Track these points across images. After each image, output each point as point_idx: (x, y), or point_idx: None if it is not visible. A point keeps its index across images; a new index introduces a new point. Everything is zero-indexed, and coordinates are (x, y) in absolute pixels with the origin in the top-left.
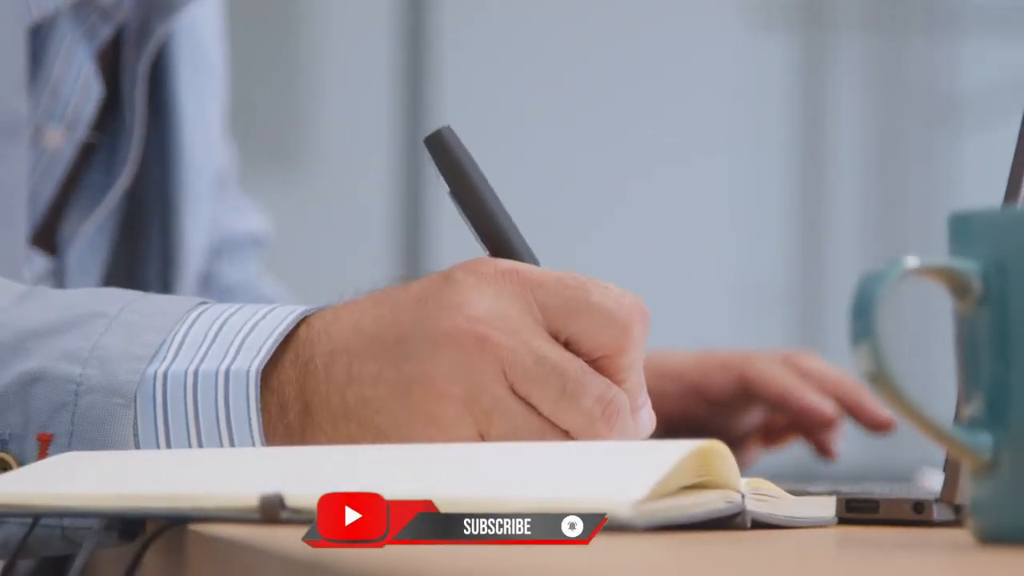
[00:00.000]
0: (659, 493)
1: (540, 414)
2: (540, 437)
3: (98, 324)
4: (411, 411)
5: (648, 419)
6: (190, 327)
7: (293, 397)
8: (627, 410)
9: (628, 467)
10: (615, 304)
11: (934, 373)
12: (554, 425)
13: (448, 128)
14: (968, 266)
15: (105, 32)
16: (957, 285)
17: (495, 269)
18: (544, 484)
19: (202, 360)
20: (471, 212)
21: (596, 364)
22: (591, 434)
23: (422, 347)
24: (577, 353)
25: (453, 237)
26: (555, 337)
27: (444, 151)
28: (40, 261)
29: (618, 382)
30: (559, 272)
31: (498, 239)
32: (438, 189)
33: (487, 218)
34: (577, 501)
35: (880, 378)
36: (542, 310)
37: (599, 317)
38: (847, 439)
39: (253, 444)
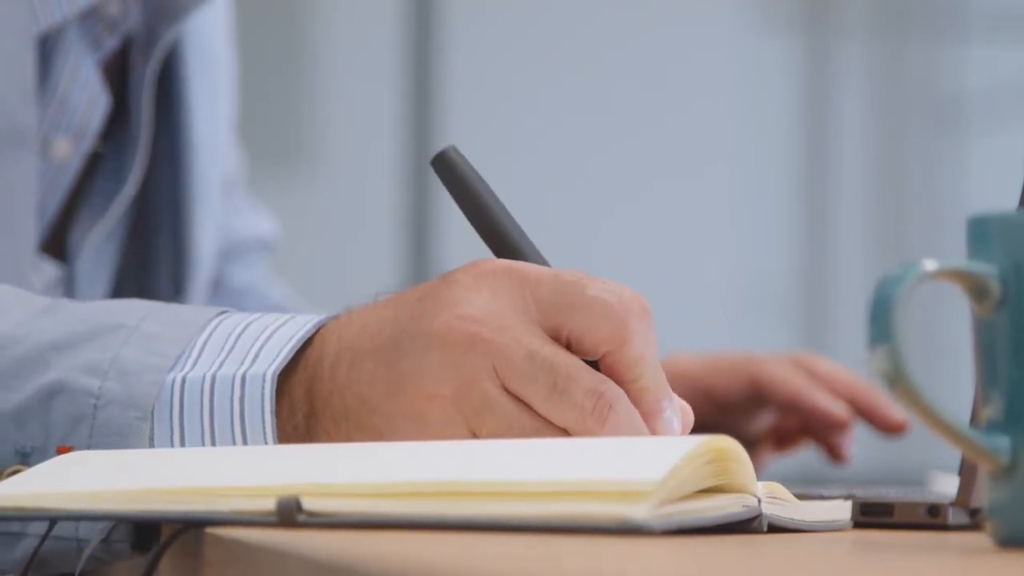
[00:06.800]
0: (675, 492)
1: (534, 412)
2: (534, 435)
3: (118, 335)
4: (403, 410)
5: (677, 423)
6: (210, 336)
7: (301, 400)
8: (623, 405)
9: (644, 455)
10: (613, 297)
11: (939, 374)
12: (548, 423)
13: (452, 147)
14: (986, 269)
15: (111, 42)
16: (975, 288)
17: (493, 268)
18: (563, 468)
19: (220, 366)
20: (481, 227)
21: (603, 364)
22: (584, 429)
23: (415, 346)
24: (580, 352)
25: (459, 239)
26: (555, 335)
27: (450, 170)
28: (50, 269)
29: (629, 381)
30: (557, 269)
31: (510, 253)
32: (444, 192)
33: (498, 233)
34: (597, 482)
35: (899, 381)
36: (540, 307)
37: (596, 310)
38: (857, 442)
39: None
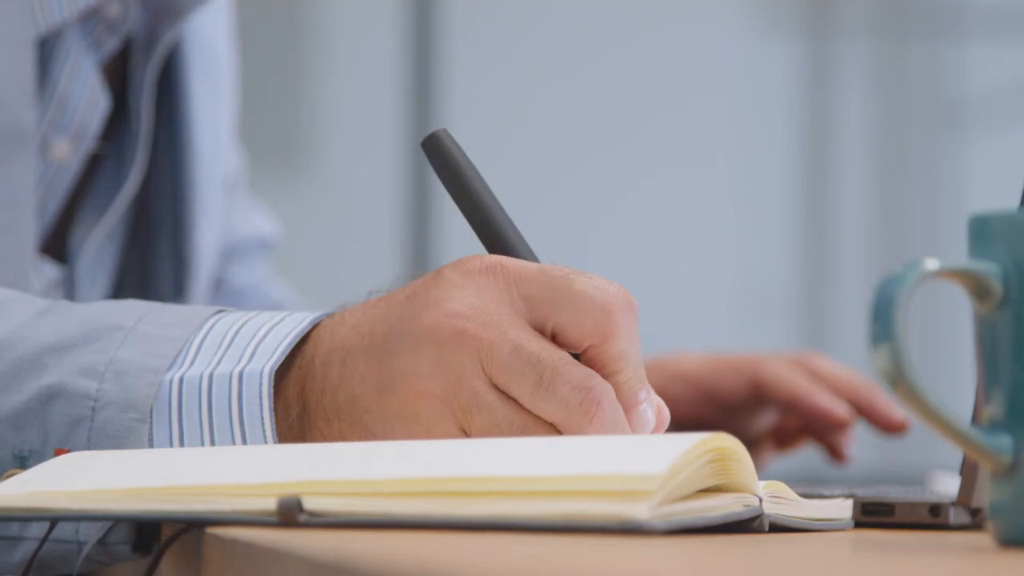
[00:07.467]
0: (677, 492)
1: (521, 407)
2: (522, 431)
3: (115, 337)
4: (393, 408)
5: (652, 416)
6: (207, 334)
7: (295, 399)
8: (610, 401)
9: (644, 453)
10: (597, 291)
11: (939, 374)
12: (536, 418)
13: (444, 131)
14: (988, 268)
15: (111, 43)
16: (977, 287)
17: (480, 264)
18: (564, 466)
19: (218, 364)
20: (468, 211)
21: (586, 357)
22: (570, 424)
23: (404, 344)
24: (564, 345)
25: (459, 239)
26: (541, 329)
27: (440, 153)
28: (50, 270)
29: (610, 375)
30: (544, 265)
31: (495, 237)
32: (443, 191)
33: (484, 216)
34: (599, 479)
35: (900, 380)
36: (526, 302)
37: (581, 304)
38: (857, 441)
39: (266, 444)
